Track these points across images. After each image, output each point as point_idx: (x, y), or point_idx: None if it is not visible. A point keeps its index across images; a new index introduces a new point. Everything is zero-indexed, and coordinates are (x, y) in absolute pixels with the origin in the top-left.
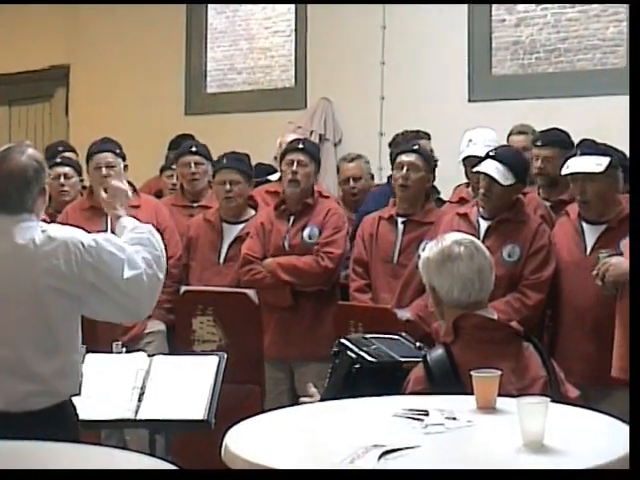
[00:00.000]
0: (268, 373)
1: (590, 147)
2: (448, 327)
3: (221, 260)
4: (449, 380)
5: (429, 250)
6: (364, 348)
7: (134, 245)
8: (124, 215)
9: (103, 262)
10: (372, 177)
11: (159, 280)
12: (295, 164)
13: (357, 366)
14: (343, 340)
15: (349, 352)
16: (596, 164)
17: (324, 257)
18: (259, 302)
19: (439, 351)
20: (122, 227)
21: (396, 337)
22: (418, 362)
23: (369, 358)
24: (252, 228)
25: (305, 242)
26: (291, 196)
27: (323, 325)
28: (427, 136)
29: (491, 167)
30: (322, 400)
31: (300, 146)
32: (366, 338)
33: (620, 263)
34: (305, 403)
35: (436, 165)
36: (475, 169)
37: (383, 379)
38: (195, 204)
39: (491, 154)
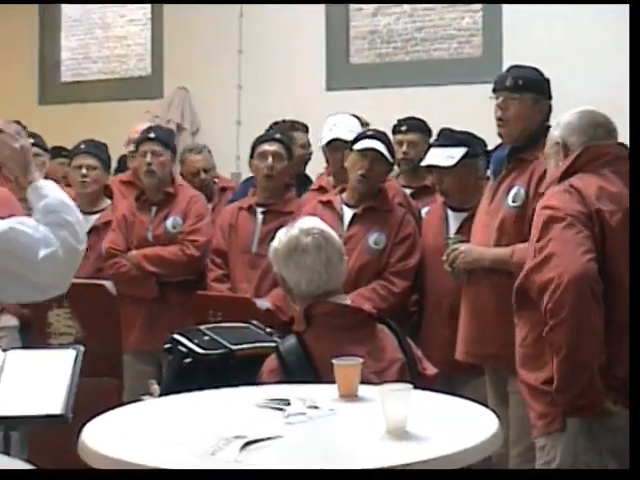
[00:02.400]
0: (136, 366)
1: (447, 138)
2: (299, 316)
3: None
4: (303, 369)
5: (278, 240)
6: (195, 340)
7: (48, 219)
8: (37, 179)
9: (20, 246)
10: (214, 167)
11: (77, 252)
12: (149, 155)
13: (188, 360)
14: (175, 335)
15: (180, 346)
16: (448, 157)
17: (189, 246)
18: (118, 294)
19: (291, 341)
20: (39, 192)
21: (245, 325)
22: (254, 349)
23: (199, 350)
24: (114, 221)
25: (169, 232)
26: (150, 187)
27: (189, 316)
28: (304, 127)
29: (380, 145)
30: (160, 397)
31: (152, 135)
32: (200, 330)
33: (471, 250)
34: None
35: (310, 157)
36: (364, 146)
37: (218, 369)
38: None
39: (370, 134)
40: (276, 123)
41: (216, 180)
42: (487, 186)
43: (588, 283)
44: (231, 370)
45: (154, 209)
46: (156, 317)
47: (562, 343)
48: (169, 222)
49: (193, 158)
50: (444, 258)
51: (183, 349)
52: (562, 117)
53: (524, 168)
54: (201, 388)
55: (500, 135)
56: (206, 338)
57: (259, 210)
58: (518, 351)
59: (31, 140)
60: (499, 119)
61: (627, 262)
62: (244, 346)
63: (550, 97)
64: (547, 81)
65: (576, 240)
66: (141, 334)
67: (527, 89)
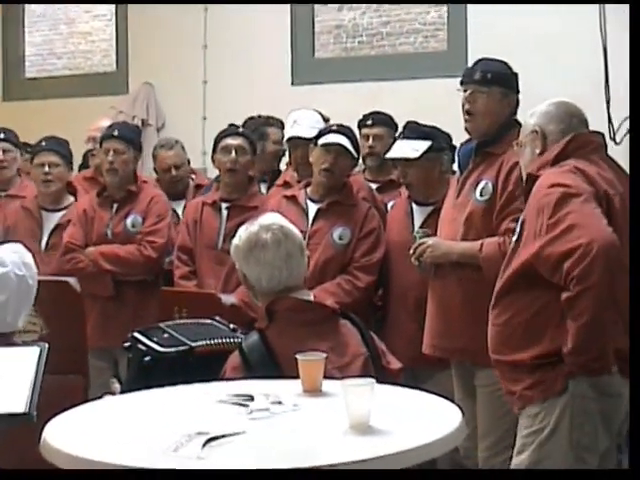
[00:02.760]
0: (91, 362)
1: (413, 131)
2: (261, 312)
3: (42, 249)
4: (266, 366)
5: (238, 237)
6: (154, 338)
7: None
8: None
9: None
10: (189, 162)
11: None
12: (111, 153)
13: (147, 358)
14: (135, 333)
15: (139, 345)
16: (413, 149)
17: (147, 246)
18: (81, 290)
19: (254, 337)
20: None
21: (209, 321)
22: (214, 345)
23: (158, 348)
24: (74, 215)
25: (128, 230)
26: (111, 185)
27: (146, 314)
28: (278, 123)
29: (344, 140)
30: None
31: (115, 133)
32: (160, 327)
33: (439, 244)
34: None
35: (283, 153)
36: (328, 141)
37: (177, 367)
38: (3, 193)
39: (334, 129)
40: (251, 118)
41: (193, 177)
42: (453, 180)
43: (617, 251)
44: (191, 367)
45: (115, 206)
46: (110, 314)
47: (586, 309)
48: (129, 220)
49: (164, 154)
50: (411, 252)
51: (142, 347)
52: (537, 107)
53: (492, 162)
54: (161, 386)
55: (467, 129)
56: (165, 336)
57: (223, 205)
58: (499, 331)
59: (1, 135)
60: (467, 112)
61: (627, 243)
62: (203, 343)
63: (518, 91)
64: (515, 75)
65: (596, 213)
66: (95, 330)
67: (495, 83)
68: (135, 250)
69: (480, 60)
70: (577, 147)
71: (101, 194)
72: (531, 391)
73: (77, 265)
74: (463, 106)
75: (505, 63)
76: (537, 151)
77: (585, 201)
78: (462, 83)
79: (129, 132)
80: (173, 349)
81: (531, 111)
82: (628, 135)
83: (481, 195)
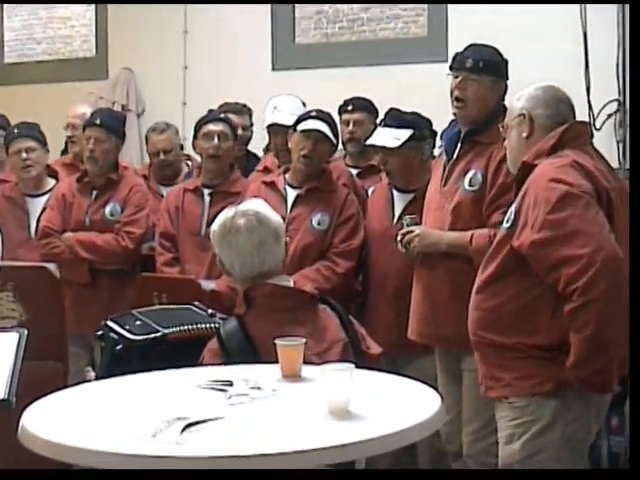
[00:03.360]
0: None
1: (395, 119)
2: (239, 298)
3: (32, 235)
4: (244, 352)
5: (216, 222)
6: (126, 326)
7: None
8: None
9: None
10: (181, 147)
11: None
12: (92, 141)
13: (119, 346)
14: (107, 321)
15: (111, 333)
16: (394, 138)
17: (124, 237)
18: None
19: (232, 323)
20: None
21: (187, 307)
22: (188, 331)
23: (130, 336)
24: (52, 199)
25: (106, 219)
26: (91, 172)
27: (121, 302)
28: (246, 109)
29: (323, 126)
30: None
31: (97, 121)
32: (132, 314)
33: (427, 234)
34: None
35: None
36: (307, 127)
37: (150, 354)
38: None
39: (313, 115)
40: (221, 106)
41: (189, 163)
42: (437, 165)
43: (620, 264)
44: (164, 354)
45: (94, 193)
46: (85, 301)
47: (590, 322)
48: (108, 208)
49: (155, 138)
50: (398, 238)
51: (114, 336)
52: (524, 91)
53: (480, 151)
54: (135, 373)
55: (455, 115)
56: (138, 323)
57: (206, 192)
58: (484, 316)
59: None
60: (456, 99)
61: (627, 239)
62: (176, 329)
63: (507, 78)
64: (506, 62)
65: (599, 220)
66: (69, 317)
67: (487, 71)
68: (112, 240)
69: (471, 46)
70: (573, 137)
71: (81, 180)
72: (520, 382)
73: (53, 250)
74: (452, 92)
75: (496, 50)
76: (524, 135)
77: (588, 205)
78: (452, 68)
79: (112, 120)
80: (145, 336)
81: (517, 94)
82: (607, 121)
83: (470, 185)
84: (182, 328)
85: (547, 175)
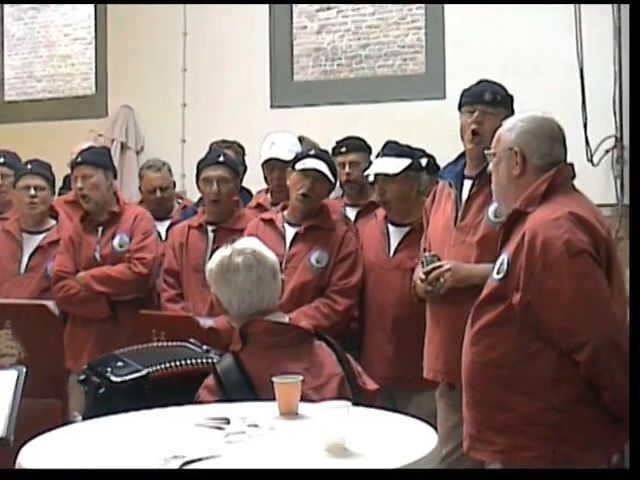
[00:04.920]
0: None
1: (393, 149)
2: (235, 335)
3: (22, 271)
4: (241, 388)
5: (212, 261)
6: (108, 368)
7: None
8: None
9: None
10: (174, 185)
11: None
12: (79, 180)
13: (102, 390)
14: (88, 365)
15: (94, 377)
16: (395, 165)
17: (137, 263)
18: (68, 315)
19: (228, 360)
20: None
21: (183, 344)
22: (172, 368)
23: (112, 378)
24: (61, 243)
25: (116, 251)
26: (90, 210)
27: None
28: (239, 147)
29: (322, 165)
30: None
31: (79, 160)
32: (114, 355)
33: (459, 267)
34: None
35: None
36: (305, 166)
37: (134, 395)
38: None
39: (312, 154)
40: (213, 143)
41: (180, 201)
42: (441, 202)
43: (619, 343)
44: (149, 393)
45: (100, 229)
46: (108, 337)
47: (605, 387)
48: (116, 241)
49: (151, 175)
50: (421, 276)
51: (97, 379)
52: (516, 119)
53: None
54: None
55: (472, 150)
56: (119, 364)
57: (209, 228)
58: (486, 370)
59: (1, 159)
60: (473, 132)
61: (624, 285)
62: (159, 367)
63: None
64: (512, 99)
65: (598, 286)
66: (93, 354)
67: (503, 104)
68: (125, 268)
69: (482, 81)
70: (562, 181)
71: (85, 219)
72: (515, 452)
73: (69, 292)
74: (466, 127)
75: (500, 85)
76: (515, 173)
77: (587, 267)
78: (465, 104)
79: (93, 155)
80: (127, 377)
81: (508, 121)
82: (605, 157)
83: (495, 216)
84: (165, 366)
85: (543, 231)
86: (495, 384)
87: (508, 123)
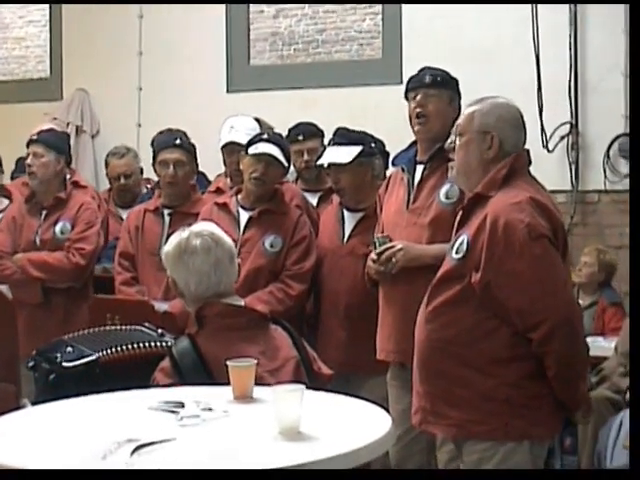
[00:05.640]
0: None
1: (343, 136)
2: (191, 318)
3: None
4: (197, 371)
5: (169, 243)
6: (57, 354)
7: None
8: None
9: None
10: (142, 171)
11: None
12: (31, 156)
13: (52, 376)
14: (38, 351)
15: (43, 363)
16: (346, 154)
17: (75, 253)
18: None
19: (184, 343)
20: None
21: (138, 328)
22: (123, 352)
23: (63, 364)
24: (2, 222)
25: (57, 237)
26: (34, 188)
27: (75, 321)
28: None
29: (274, 149)
30: None
31: (34, 137)
32: (63, 341)
33: (411, 248)
34: None
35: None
36: (258, 151)
37: (85, 379)
38: None
39: (264, 138)
40: (160, 133)
41: (148, 186)
42: (395, 187)
43: (574, 321)
44: (99, 378)
45: (44, 213)
46: (39, 322)
47: (551, 366)
48: (58, 227)
49: (115, 162)
50: (373, 257)
51: (47, 365)
52: (487, 103)
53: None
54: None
55: (419, 132)
56: (69, 350)
57: (165, 212)
58: (442, 346)
59: None
60: (418, 115)
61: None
62: (109, 351)
63: (460, 97)
64: (457, 81)
65: (558, 270)
66: (23, 338)
67: (444, 86)
68: (63, 257)
69: (425, 68)
70: (521, 165)
71: (30, 200)
72: (477, 427)
73: (4, 272)
74: (413, 110)
75: (444, 71)
76: (488, 156)
77: (546, 250)
78: (411, 89)
79: (51, 136)
80: (77, 362)
81: (483, 105)
82: (560, 143)
83: (447, 198)
84: (116, 349)
85: (506, 214)
86: (451, 360)
87: (483, 105)
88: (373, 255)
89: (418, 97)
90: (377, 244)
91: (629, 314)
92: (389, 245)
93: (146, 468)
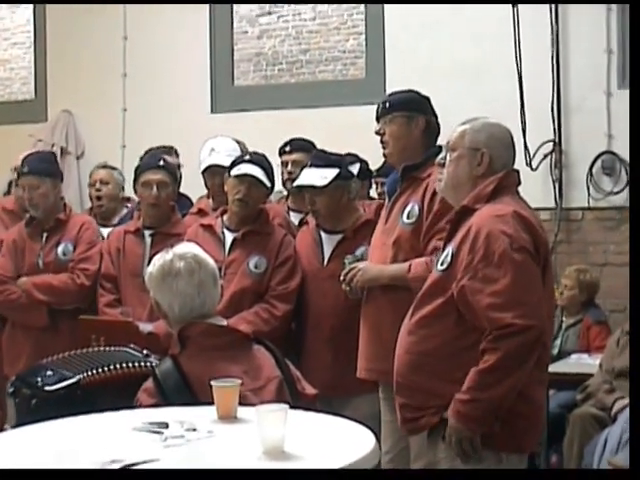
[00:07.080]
0: None
1: (320, 158)
2: (174, 338)
3: None
4: (180, 391)
5: (152, 265)
6: (38, 379)
7: None
8: None
9: None
10: (122, 189)
11: None
12: (27, 189)
13: (34, 401)
14: (17, 377)
15: (24, 389)
16: (321, 177)
17: (80, 274)
18: (7, 320)
19: (167, 363)
20: None
21: (124, 348)
22: (104, 373)
23: (46, 388)
24: (4, 246)
25: (59, 259)
26: (38, 217)
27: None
28: (173, 151)
29: (257, 170)
30: None
31: (25, 170)
32: (43, 365)
33: (369, 268)
34: None
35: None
36: (240, 172)
37: (67, 402)
38: None
39: (247, 159)
40: (147, 152)
41: (128, 205)
42: (383, 208)
43: (539, 343)
44: (81, 400)
45: (45, 235)
46: (46, 345)
47: (492, 384)
48: (60, 249)
49: (95, 171)
50: (342, 278)
51: (28, 390)
52: (485, 123)
53: (417, 186)
54: None
55: (385, 157)
56: (49, 373)
57: (147, 233)
58: (420, 359)
59: None
60: (381, 142)
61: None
62: (90, 373)
63: (429, 113)
64: (425, 98)
65: (534, 284)
66: (30, 361)
67: (396, 109)
68: (68, 279)
69: (389, 94)
70: (510, 184)
71: (30, 224)
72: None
73: (9, 297)
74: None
75: (412, 90)
76: (478, 172)
77: (525, 263)
78: (377, 122)
79: (40, 164)
80: (59, 385)
81: (476, 123)
82: (543, 161)
83: (408, 218)
84: (97, 371)
85: (489, 225)
86: (427, 373)
87: (475, 123)
88: (342, 276)
89: (379, 127)
90: (346, 264)
91: (630, 313)
92: (353, 266)
93: None
